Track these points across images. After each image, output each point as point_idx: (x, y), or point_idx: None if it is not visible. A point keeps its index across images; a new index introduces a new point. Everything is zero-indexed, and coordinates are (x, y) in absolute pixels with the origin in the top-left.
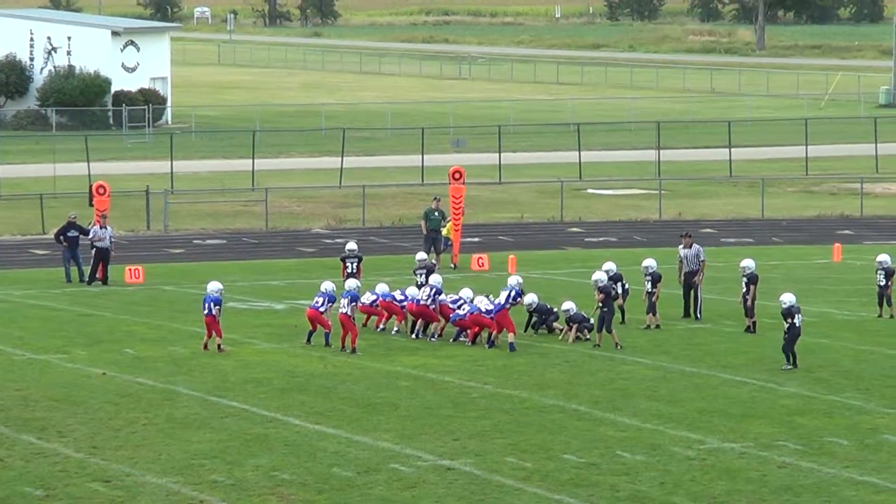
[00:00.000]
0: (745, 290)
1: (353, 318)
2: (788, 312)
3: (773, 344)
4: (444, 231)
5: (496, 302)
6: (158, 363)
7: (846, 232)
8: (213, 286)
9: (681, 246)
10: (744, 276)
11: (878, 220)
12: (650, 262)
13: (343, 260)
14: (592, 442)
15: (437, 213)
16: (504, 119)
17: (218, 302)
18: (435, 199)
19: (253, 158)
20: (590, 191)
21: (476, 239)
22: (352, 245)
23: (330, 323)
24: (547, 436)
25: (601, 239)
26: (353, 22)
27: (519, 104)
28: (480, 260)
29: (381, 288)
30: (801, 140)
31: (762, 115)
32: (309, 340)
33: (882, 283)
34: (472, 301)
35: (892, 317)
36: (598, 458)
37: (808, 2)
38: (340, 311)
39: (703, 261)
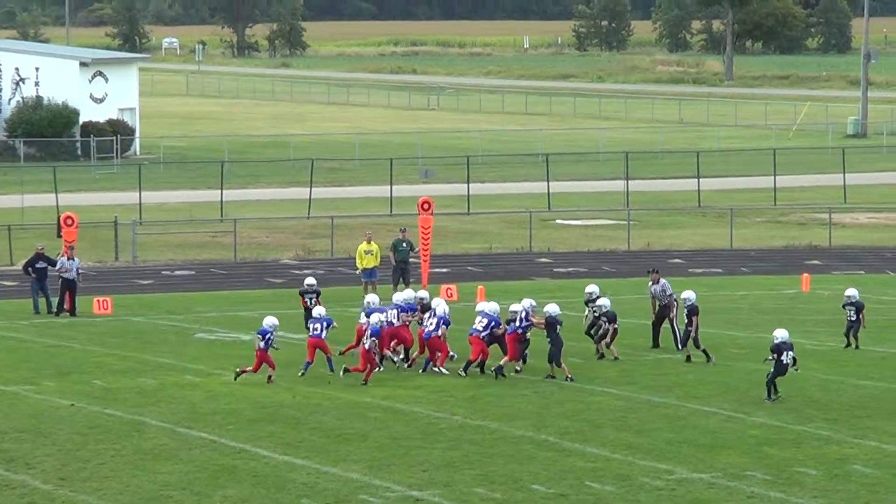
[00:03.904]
0: (686, 321)
1: (375, 353)
2: (777, 348)
3: (741, 374)
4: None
5: (474, 327)
6: (127, 394)
7: (815, 262)
8: (269, 321)
9: (650, 282)
10: (685, 307)
11: (847, 250)
12: (594, 289)
13: (302, 294)
14: (561, 472)
15: (405, 244)
16: (472, 149)
17: (265, 335)
18: (401, 229)
19: (221, 189)
20: (558, 221)
21: (445, 269)
22: (311, 280)
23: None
24: (516, 466)
25: (570, 269)
26: (321, 53)
27: (487, 135)
28: (449, 290)
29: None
30: (769, 170)
31: (730, 146)
32: (304, 373)
33: (853, 318)
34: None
35: (856, 347)
36: (567, 488)
37: (776, 32)
38: (364, 345)
39: (670, 295)
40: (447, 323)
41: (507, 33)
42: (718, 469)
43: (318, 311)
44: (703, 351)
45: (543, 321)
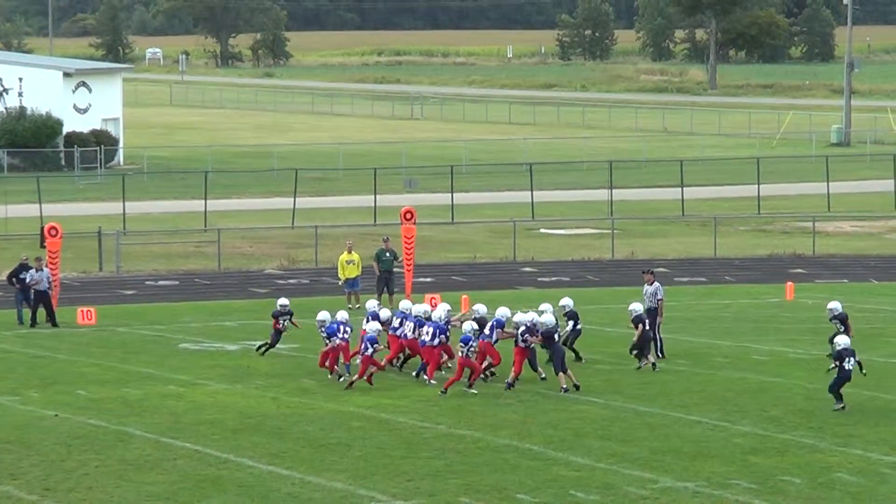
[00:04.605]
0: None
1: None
2: (839, 356)
3: (726, 383)
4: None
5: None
6: (111, 405)
7: (798, 271)
8: (341, 315)
9: (645, 283)
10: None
11: (831, 258)
12: (567, 302)
13: (276, 317)
14: (546, 482)
15: (388, 254)
16: (456, 159)
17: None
18: (384, 239)
19: (205, 199)
20: (542, 230)
21: (429, 279)
22: (284, 301)
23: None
24: (500, 476)
25: (554, 279)
26: (305, 62)
27: (471, 144)
28: (433, 300)
29: (373, 326)
30: (753, 179)
31: (714, 155)
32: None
33: (842, 330)
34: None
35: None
36: (551, 497)
37: (759, 41)
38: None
39: (660, 299)
40: (444, 332)
41: (490, 43)
42: (703, 478)
43: (342, 315)
44: (636, 356)
45: (530, 335)
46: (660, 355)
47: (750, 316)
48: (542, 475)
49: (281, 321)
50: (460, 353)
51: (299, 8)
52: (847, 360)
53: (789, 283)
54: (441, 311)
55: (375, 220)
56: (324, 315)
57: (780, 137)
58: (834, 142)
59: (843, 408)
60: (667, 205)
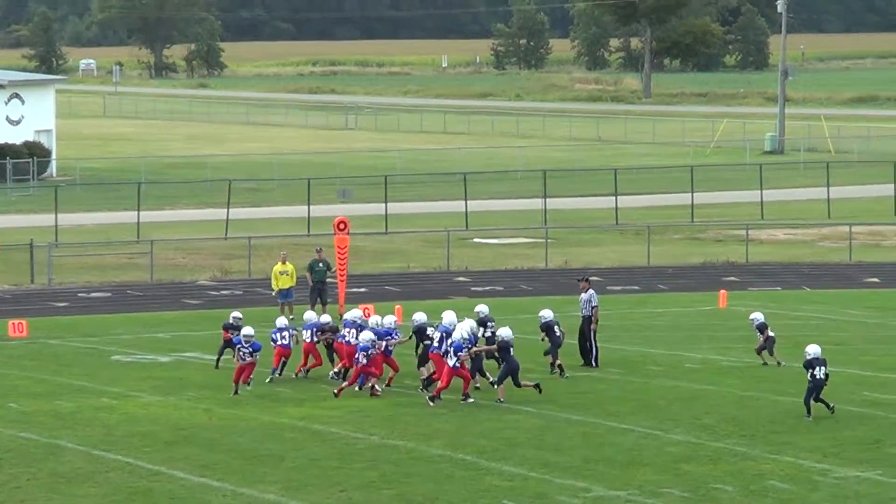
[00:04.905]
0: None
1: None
2: (809, 364)
3: (659, 392)
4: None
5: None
6: (42, 417)
7: (732, 279)
8: (281, 321)
9: (581, 291)
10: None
11: (764, 266)
12: (483, 308)
13: (227, 328)
14: (479, 492)
15: (321, 265)
16: (391, 169)
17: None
18: (317, 250)
19: (138, 210)
20: (476, 240)
21: (362, 289)
22: (237, 314)
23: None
24: (434, 486)
25: (487, 288)
26: (239, 73)
27: (405, 154)
28: (367, 310)
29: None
30: (686, 187)
31: (648, 163)
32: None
33: (770, 336)
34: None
35: (778, 364)
36: None
37: (694, 50)
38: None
39: (594, 307)
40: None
41: (425, 52)
42: (635, 486)
43: (281, 321)
44: (558, 364)
45: (485, 349)
46: (594, 364)
47: (683, 324)
48: (475, 485)
49: (233, 334)
50: (450, 363)
51: (234, 18)
52: (818, 368)
53: (722, 291)
54: (366, 337)
55: (309, 231)
56: (249, 330)
57: (715, 146)
58: (768, 150)
59: (810, 418)
60: (601, 213)
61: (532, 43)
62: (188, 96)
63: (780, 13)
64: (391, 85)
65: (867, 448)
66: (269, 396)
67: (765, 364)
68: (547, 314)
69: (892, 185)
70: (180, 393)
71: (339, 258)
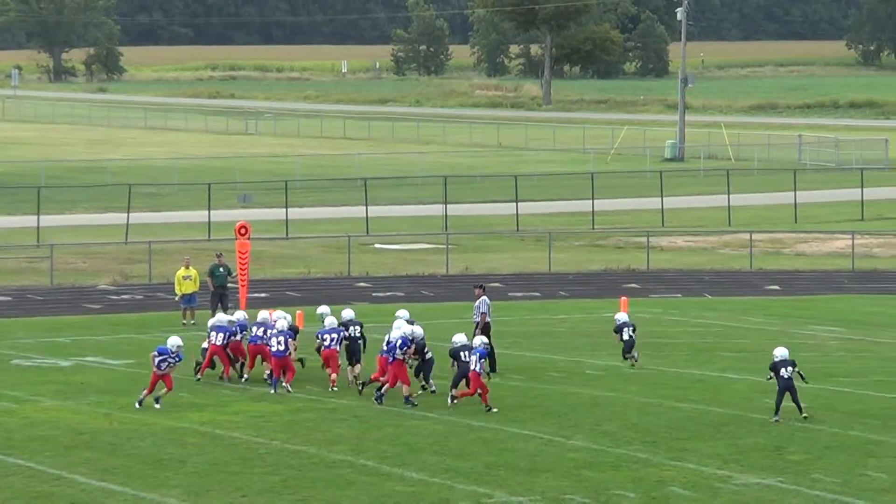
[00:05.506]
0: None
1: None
2: (775, 367)
3: (560, 398)
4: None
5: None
6: None
7: (633, 285)
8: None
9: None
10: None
11: (664, 273)
12: (403, 313)
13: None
14: (380, 497)
15: (222, 269)
16: (291, 174)
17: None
18: (218, 254)
19: (38, 215)
20: (377, 245)
21: (263, 294)
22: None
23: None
24: (335, 491)
25: (389, 293)
26: (138, 77)
27: (305, 159)
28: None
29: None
30: (587, 194)
31: (549, 170)
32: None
33: (627, 338)
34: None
35: (633, 365)
36: None
37: (594, 57)
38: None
39: (483, 312)
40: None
41: (324, 58)
42: (537, 492)
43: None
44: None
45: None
46: (493, 370)
47: (584, 331)
48: (376, 490)
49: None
50: (474, 368)
51: (133, 23)
52: (784, 369)
53: (623, 298)
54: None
55: (210, 236)
56: (177, 340)
57: (615, 153)
58: (668, 157)
59: (777, 420)
60: (501, 220)
61: (432, 49)
62: (87, 100)
63: (680, 21)
64: (291, 90)
65: (768, 455)
66: (170, 401)
67: (632, 366)
68: (460, 339)
69: (793, 193)
70: (80, 397)
71: (240, 263)
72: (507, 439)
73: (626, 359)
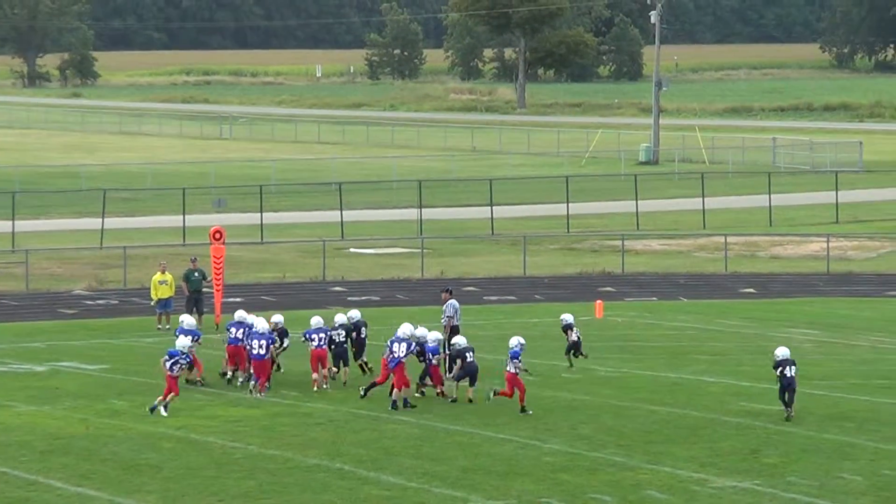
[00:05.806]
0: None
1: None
2: (779, 365)
3: (535, 401)
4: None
5: (393, 357)
6: None
7: (608, 289)
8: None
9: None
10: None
11: (640, 276)
12: (355, 314)
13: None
14: (357, 501)
15: (197, 274)
16: (265, 179)
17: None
18: (192, 259)
19: (13, 220)
20: (352, 250)
21: (238, 299)
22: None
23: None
24: (311, 496)
25: (364, 298)
26: (113, 82)
27: (280, 164)
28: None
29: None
30: (562, 197)
31: (523, 173)
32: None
33: (574, 339)
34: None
35: (572, 365)
36: None
37: (568, 60)
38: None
39: (449, 316)
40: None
41: (299, 62)
42: (513, 496)
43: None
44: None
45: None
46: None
47: (559, 334)
48: (353, 495)
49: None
50: (509, 370)
51: (107, 28)
52: (787, 367)
53: (598, 302)
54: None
55: (185, 240)
56: (186, 341)
57: (589, 156)
58: (642, 160)
59: (788, 417)
60: (476, 224)
61: (406, 53)
62: (62, 106)
63: (654, 24)
64: (265, 94)
65: (744, 458)
66: (146, 406)
67: (571, 366)
68: (460, 340)
69: (767, 196)
70: (56, 402)
71: (214, 268)
72: (484, 443)
73: (567, 357)
